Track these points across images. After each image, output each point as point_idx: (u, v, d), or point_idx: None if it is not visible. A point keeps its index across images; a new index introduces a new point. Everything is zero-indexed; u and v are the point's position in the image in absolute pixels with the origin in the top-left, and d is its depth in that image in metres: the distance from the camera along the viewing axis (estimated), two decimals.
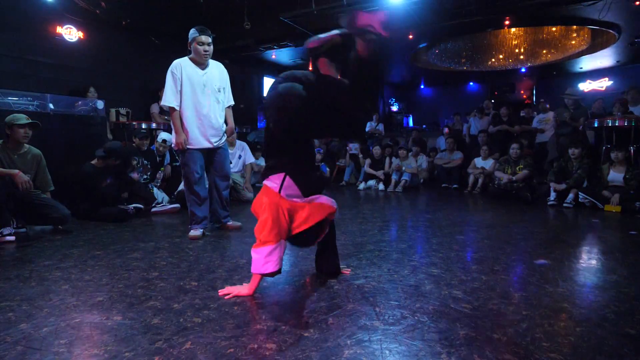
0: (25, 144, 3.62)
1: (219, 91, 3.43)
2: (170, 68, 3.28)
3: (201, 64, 3.32)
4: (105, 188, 4.23)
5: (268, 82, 11.35)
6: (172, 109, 3.27)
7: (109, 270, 2.52)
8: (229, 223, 3.67)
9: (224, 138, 3.53)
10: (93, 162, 4.30)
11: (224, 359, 1.47)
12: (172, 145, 3.54)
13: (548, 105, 7.72)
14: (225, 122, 3.56)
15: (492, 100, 9.84)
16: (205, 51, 3.27)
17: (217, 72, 3.44)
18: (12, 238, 3.25)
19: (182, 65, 3.27)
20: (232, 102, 3.60)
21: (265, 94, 11.21)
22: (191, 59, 3.32)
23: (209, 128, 3.36)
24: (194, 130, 3.31)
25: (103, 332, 1.68)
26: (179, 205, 4.65)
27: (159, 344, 1.57)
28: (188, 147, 3.31)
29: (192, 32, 3.26)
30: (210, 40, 3.29)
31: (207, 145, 3.38)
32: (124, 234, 3.56)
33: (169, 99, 3.25)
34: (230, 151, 5.78)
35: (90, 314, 1.86)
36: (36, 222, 3.74)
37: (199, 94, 3.29)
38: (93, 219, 4.09)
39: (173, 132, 3.39)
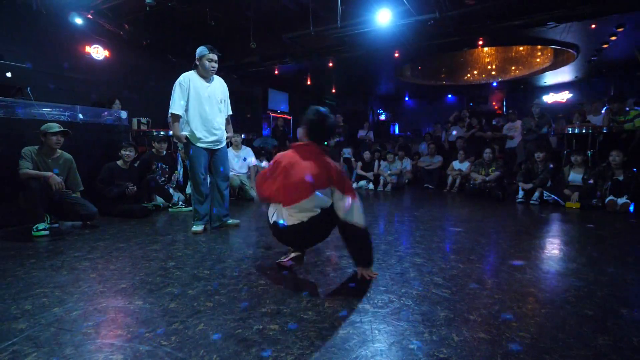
0: (57, 150, 3.60)
1: (221, 102, 3.45)
2: (178, 80, 3.27)
3: (206, 78, 3.34)
4: (127, 187, 4.22)
5: (272, 94, 11.34)
6: (177, 116, 3.25)
7: (131, 260, 2.51)
8: (228, 222, 3.60)
9: (224, 142, 3.52)
10: (118, 162, 4.32)
11: (233, 338, 1.46)
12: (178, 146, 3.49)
13: (516, 113, 7.78)
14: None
15: (469, 110, 9.86)
16: (213, 67, 3.30)
17: (219, 85, 3.46)
18: (47, 232, 3.24)
19: (189, 78, 3.28)
20: (230, 112, 3.60)
21: (269, 104, 11.22)
22: (197, 73, 3.32)
23: (212, 132, 3.36)
24: (199, 131, 3.29)
25: (126, 315, 1.67)
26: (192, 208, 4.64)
27: (175, 325, 1.57)
28: (194, 143, 3.29)
29: (202, 49, 3.26)
30: (217, 58, 3.32)
31: (209, 144, 3.35)
32: (144, 229, 3.55)
33: (177, 107, 3.23)
34: (236, 153, 5.79)
35: (115, 299, 1.85)
36: (67, 218, 3.72)
37: (205, 103, 3.30)
38: (117, 215, 4.07)
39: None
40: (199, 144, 3.31)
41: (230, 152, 5.46)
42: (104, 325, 1.58)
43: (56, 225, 3.63)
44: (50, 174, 3.36)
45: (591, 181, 4.82)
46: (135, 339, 1.46)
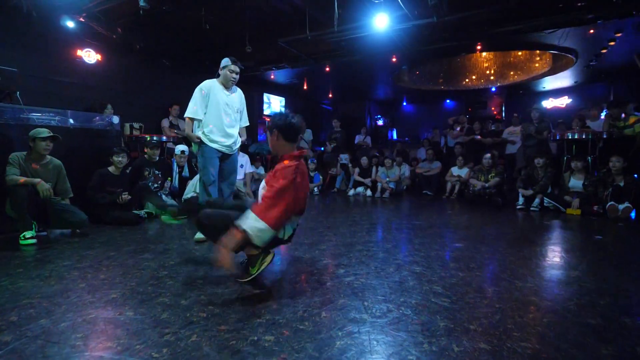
0: (46, 155, 3.58)
1: (237, 112, 3.57)
2: (200, 86, 3.39)
3: (227, 87, 3.46)
4: (118, 194, 4.20)
5: (267, 99, 11.37)
6: (193, 119, 3.37)
7: (122, 269, 2.49)
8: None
9: (235, 148, 3.62)
10: (109, 168, 4.30)
11: (227, 350, 1.45)
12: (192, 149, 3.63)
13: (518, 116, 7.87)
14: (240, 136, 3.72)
15: (467, 116, 9.93)
16: (234, 78, 3.42)
17: (238, 96, 3.59)
18: (34, 241, 3.20)
19: (211, 86, 3.39)
20: (247, 123, 3.74)
21: (265, 110, 11.24)
22: (219, 82, 3.45)
23: (226, 138, 3.47)
24: (215, 135, 3.40)
25: (116, 327, 1.65)
26: (186, 216, 4.61)
27: (167, 337, 1.55)
28: (207, 143, 3.38)
29: (226, 61, 3.38)
30: (238, 70, 3.42)
31: (223, 147, 3.45)
32: (136, 237, 3.52)
33: (193, 111, 3.35)
34: None
35: (105, 310, 1.83)
36: (56, 226, 3.68)
37: (222, 112, 3.41)
38: (108, 222, 4.04)
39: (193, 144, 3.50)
40: (213, 145, 3.40)
41: None
42: (93, 337, 1.56)
43: (44, 233, 3.59)
44: (38, 180, 3.33)
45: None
46: (126, 351, 1.44)
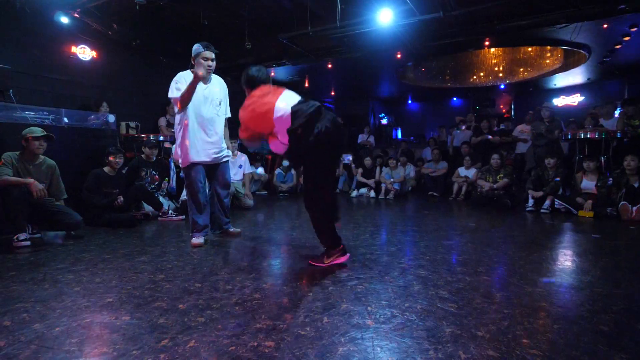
0: (40, 155, 3.60)
1: (219, 104, 3.32)
2: (174, 78, 3.17)
3: (204, 79, 3.18)
4: (113, 195, 4.22)
5: None
6: (177, 99, 3.13)
7: (118, 273, 2.50)
8: (230, 229, 3.61)
9: (224, 152, 3.40)
10: (105, 168, 4.32)
11: (226, 356, 1.46)
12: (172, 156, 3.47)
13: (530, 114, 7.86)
14: None
15: (475, 114, 9.93)
16: (209, 66, 3.16)
17: (218, 86, 3.34)
18: (28, 243, 3.23)
19: (185, 78, 3.16)
20: (229, 115, 3.47)
21: None
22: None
23: (210, 140, 3.25)
24: (196, 144, 3.20)
25: (112, 332, 1.66)
26: (184, 217, 4.62)
27: (164, 342, 1.56)
28: (191, 161, 3.20)
29: (197, 47, 3.15)
30: (213, 56, 3.18)
31: (207, 160, 3.28)
32: (132, 239, 3.54)
33: (175, 93, 3.11)
34: (232, 160, 5.79)
35: (100, 314, 1.84)
36: (50, 228, 3.71)
37: (201, 106, 3.19)
38: (103, 224, 4.06)
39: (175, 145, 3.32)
40: (194, 160, 3.20)
41: None
42: (89, 342, 1.57)
43: (38, 235, 3.62)
44: (31, 180, 3.35)
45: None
46: (122, 356, 1.45)
